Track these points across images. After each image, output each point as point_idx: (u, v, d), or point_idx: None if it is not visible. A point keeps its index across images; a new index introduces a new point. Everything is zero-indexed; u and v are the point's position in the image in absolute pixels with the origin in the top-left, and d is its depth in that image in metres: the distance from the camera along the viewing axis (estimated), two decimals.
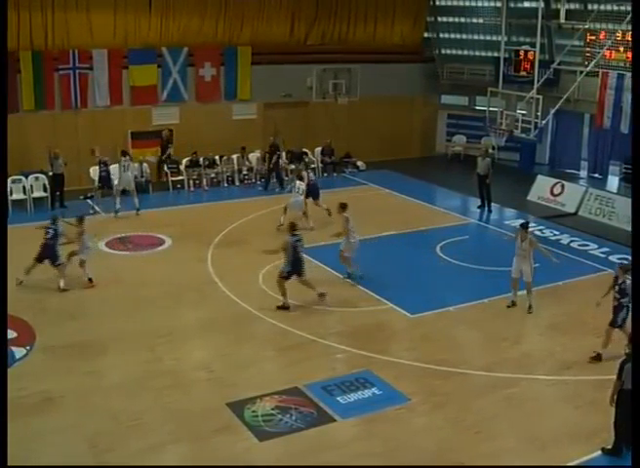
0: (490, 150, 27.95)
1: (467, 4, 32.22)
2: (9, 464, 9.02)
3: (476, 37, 32.72)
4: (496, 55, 29.57)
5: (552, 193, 26.76)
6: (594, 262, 20.08)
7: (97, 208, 24.06)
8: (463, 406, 12.94)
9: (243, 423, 12.20)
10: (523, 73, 28.07)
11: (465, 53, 33.25)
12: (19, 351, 14.70)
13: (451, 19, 33.17)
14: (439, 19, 33.34)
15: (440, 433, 12.13)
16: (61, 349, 14.76)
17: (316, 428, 12.15)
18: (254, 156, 28.99)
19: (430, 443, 11.85)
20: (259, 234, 21.61)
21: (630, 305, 13.90)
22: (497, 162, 28.84)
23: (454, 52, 33.52)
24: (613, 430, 11.24)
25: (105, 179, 24.80)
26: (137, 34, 27.74)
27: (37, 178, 25.45)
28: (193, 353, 14.93)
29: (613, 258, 20.08)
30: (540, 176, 27.86)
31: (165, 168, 27.77)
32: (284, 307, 16.72)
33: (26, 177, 25.44)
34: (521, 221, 18.09)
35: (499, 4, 29.61)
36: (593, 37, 26.32)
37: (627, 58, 24.68)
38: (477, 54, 32.93)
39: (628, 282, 14.17)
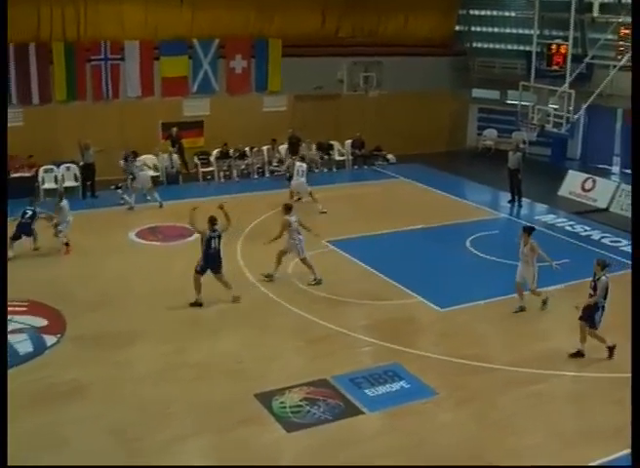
0: (521, 145, 27.74)
1: None
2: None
3: (508, 30, 32.51)
4: (528, 48, 29.30)
5: (583, 188, 26.55)
6: (625, 259, 19.87)
7: (126, 198, 24.16)
8: (490, 401, 12.89)
9: (271, 414, 12.22)
10: (555, 67, 27.77)
11: (497, 46, 33.02)
12: (49, 339, 14.87)
13: (483, 13, 33.00)
14: (471, 11, 33.14)
15: (466, 428, 12.07)
16: (91, 338, 14.87)
17: (344, 420, 12.15)
18: (284, 148, 29.01)
19: (456, 438, 11.80)
20: None
21: (604, 304, 13.94)
22: (527, 156, 28.61)
23: (485, 45, 33.32)
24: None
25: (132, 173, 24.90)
26: (168, 26, 27.77)
27: (68, 168, 25.71)
28: (221, 344, 14.93)
29: None
30: (571, 172, 27.65)
31: (176, 160, 27.74)
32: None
33: (58, 167, 25.70)
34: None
35: None
36: (627, 31, 26.00)
37: None
38: (509, 47, 32.69)
39: (604, 279, 13.97)
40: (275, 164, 28.71)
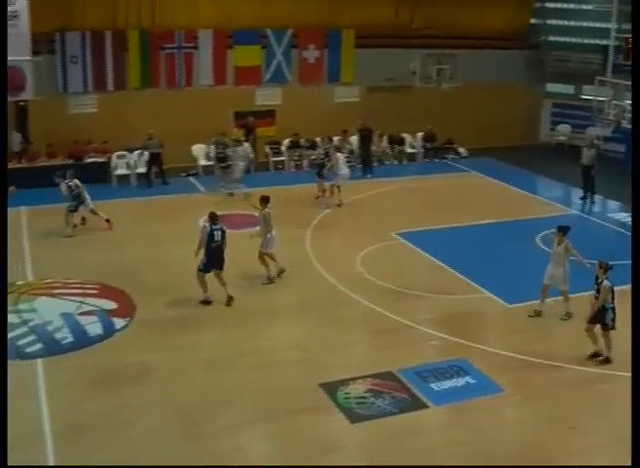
0: (595, 141, 27.26)
1: None
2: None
3: (585, 24, 31.89)
4: (605, 42, 28.78)
5: None
6: None
7: (199, 186, 24.41)
8: (556, 399, 12.71)
9: (335, 404, 12.25)
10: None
11: (573, 40, 32.41)
12: (119, 322, 15.17)
13: (559, 5, 32.45)
14: (546, 4, 32.64)
15: (531, 426, 11.93)
16: (159, 323, 15.12)
17: (408, 413, 12.12)
18: (355, 139, 28.96)
19: (520, 435, 11.69)
20: (358, 217, 21.65)
21: (614, 306, 13.61)
22: (602, 153, 28.10)
23: (561, 39, 32.71)
24: None
25: (222, 160, 25.15)
26: (241, 15, 27.94)
27: (141, 154, 26.02)
28: (287, 332, 15.02)
29: None
30: None
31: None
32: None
33: (131, 153, 26.09)
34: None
35: None
36: None
37: None
38: (585, 41, 32.06)
39: (606, 282, 13.63)
40: (346, 155, 28.67)
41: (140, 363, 13.51)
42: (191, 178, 25.46)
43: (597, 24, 31.13)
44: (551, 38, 32.86)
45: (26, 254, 18.89)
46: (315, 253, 19.11)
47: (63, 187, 20.46)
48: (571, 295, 15.72)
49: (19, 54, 23.83)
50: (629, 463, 9.57)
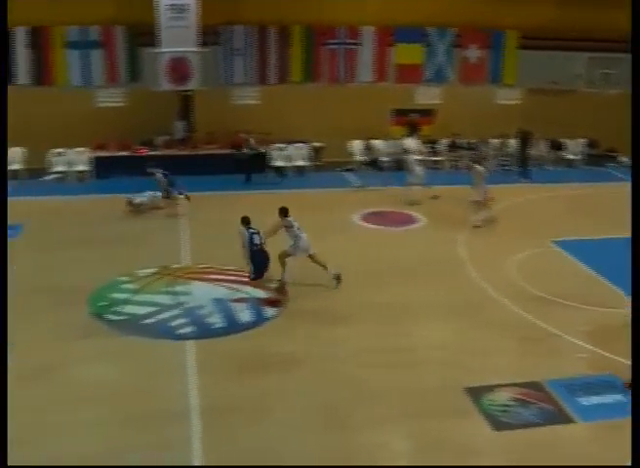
0: None
1: None
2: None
3: None
4: None
5: None
6: None
7: (357, 181, 24.58)
8: None
9: (479, 410, 12.08)
10: None
11: None
12: (269, 311, 15.49)
13: None
14: None
15: None
16: (310, 314, 15.33)
17: (554, 426, 11.80)
18: (514, 142, 28.45)
19: None
20: (514, 221, 21.31)
21: None
22: None
23: None
24: None
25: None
26: (404, 12, 27.87)
27: (299, 148, 26.47)
28: (432, 332, 14.93)
29: None
30: None
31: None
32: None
33: (289, 145, 26.64)
34: None
35: None
36: None
37: None
38: None
39: None
40: (504, 158, 28.27)
41: (288, 352, 13.74)
42: (347, 173, 25.67)
43: None
44: None
45: (186, 239, 19.56)
46: (468, 255, 18.93)
47: (159, 176, 21.44)
48: None
49: (186, 45, 24.81)
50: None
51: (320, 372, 13.13)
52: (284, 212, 16.35)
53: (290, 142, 26.78)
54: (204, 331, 14.55)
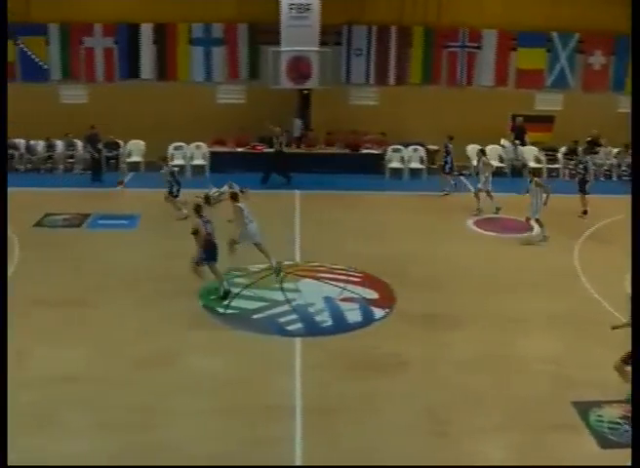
0: None
1: None
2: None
3: None
4: None
5: None
6: None
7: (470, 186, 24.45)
8: None
9: (586, 425, 11.79)
10: None
11: None
12: (378, 312, 15.51)
13: None
14: None
15: None
16: (418, 317, 15.26)
17: None
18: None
19: None
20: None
21: None
22: None
23: None
24: None
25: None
26: (527, 16, 27.54)
27: (415, 150, 26.42)
28: (543, 343, 14.64)
29: None
30: None
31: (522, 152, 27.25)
32: None
33: (406, 148, 26.61)
34: None
35: None
36: None
37: None
38: None
39: None
40: (624, 168, 27.49)
41: (394, 354, 13.72)
42: (462, 178, 25.46)
43: None
44: None
45: (296, 237, 19.78)
46: (582, 266, 18.52)
47: (166, 172, 21.30)
48: None
49: (307, 44, 25.10)
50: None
51: (426, 376, 13.09)
52: (234, 197, 16.77)
53: (406, 145, 26.74)
54: (312, 329, 14.72)
